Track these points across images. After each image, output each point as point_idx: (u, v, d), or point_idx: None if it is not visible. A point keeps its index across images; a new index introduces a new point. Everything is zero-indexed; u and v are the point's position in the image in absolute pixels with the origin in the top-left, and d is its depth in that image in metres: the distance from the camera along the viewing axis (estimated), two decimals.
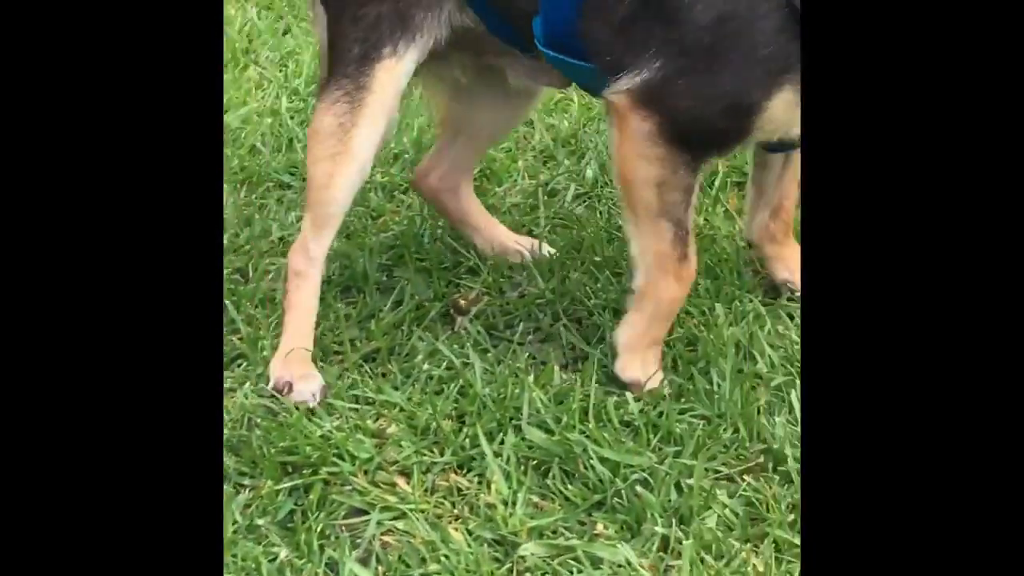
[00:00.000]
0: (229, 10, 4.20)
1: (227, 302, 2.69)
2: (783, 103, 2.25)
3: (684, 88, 2.26)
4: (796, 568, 1.98)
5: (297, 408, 2.39)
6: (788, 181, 2.61)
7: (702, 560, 1.98)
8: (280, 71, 3.85)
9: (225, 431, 2.39)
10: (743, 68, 2.25)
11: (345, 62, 2.41)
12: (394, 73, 2.41)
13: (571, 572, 1.98)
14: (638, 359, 2.40)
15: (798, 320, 2.61)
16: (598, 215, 2.98)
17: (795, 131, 2.31)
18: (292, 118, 3.57)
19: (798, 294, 2.67)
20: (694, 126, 2.29)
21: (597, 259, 2.76)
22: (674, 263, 2.35)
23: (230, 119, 3.53)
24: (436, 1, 2.39)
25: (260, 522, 2.17)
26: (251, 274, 2.84)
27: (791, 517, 2.10)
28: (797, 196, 2.72)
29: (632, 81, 2.26)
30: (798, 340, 2.52)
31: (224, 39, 3.86)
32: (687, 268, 2.38)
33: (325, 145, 2.42)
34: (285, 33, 4.15)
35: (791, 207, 2.69)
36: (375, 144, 2.45)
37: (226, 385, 2.52)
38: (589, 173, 3.11)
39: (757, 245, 2.72)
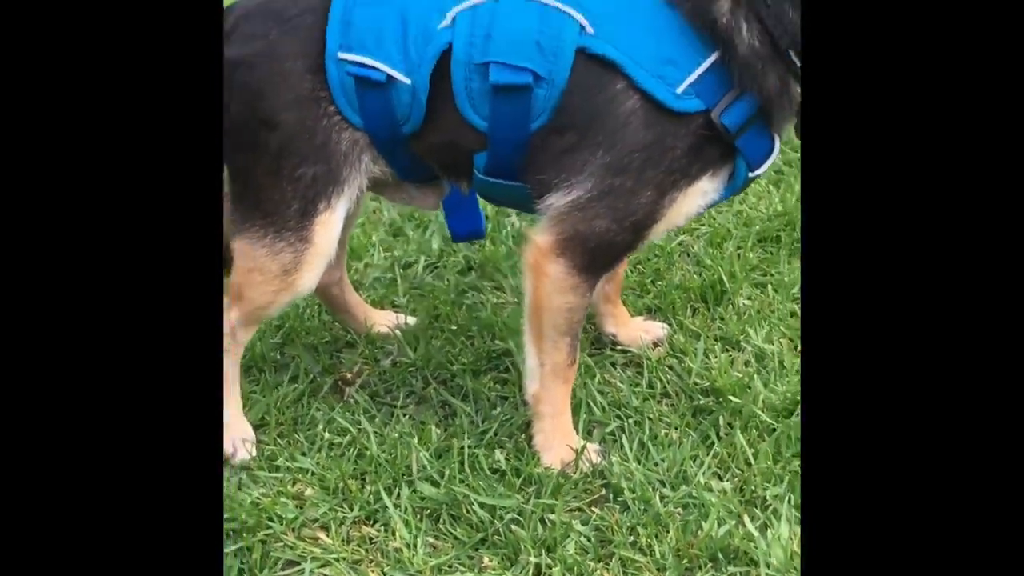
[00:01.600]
0: None
1: None
2: (679, 206, 2.43)
3: (605, 207, 2.39)
4: None
5: (231, 474, 2.57)
6: None
7: None
8: None
9: None
10: (659, 181, 2.38)
11: (283, 214, 2.48)
12: (328, 224, 2.50)
13: None
14: (558, 451, 2.57)
15: (620, 369, 2.86)
16: (446, 283, 3.18)
17: (686, 217, 2.51)
18: None
19: (620, 346, 2.92)
20: (605, 249, 2.44)
21: (453, 327, 2.98)
22: (565, 369, 2.55)
23: None
24: (354, 159, 2.48)
25: None
26: None
27: (631, 538, 2.37)
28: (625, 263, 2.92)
29: (561, 198, 2.41)
30: (623, 387, 2.78)
31: None
32: (573, 369, 2.58)
33: (270, 284, 2.53)
34: None
35: (622, 271, 2.93)
36: (315, 281, 2.57)
37: None
38: (435, 245, 3.30)
39: (592, 303, 2.79)
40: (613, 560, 2.35)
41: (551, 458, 2.58)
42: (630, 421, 2.70)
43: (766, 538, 2.37)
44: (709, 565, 2.33)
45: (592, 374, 2.83)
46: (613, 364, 2.89)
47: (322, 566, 2.39)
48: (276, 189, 2.48)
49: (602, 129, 2.37)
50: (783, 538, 2.36)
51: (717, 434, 2.66)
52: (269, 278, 2.53)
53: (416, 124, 2.44)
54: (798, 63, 2.33)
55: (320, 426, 2.73)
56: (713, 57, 2.33)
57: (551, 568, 2.33)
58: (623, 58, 2.32)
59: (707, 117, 2.34)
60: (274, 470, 2.62)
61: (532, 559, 2.35)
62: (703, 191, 2.43)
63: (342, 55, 2.41)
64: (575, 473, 2.55)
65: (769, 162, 2.48)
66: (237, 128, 2.47)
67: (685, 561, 2.34)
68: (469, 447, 2.63)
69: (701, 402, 2.76)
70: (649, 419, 2.70)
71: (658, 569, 2.33)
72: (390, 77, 2.40)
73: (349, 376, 2.89)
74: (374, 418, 2.75)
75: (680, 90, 2.32)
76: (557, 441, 2.60)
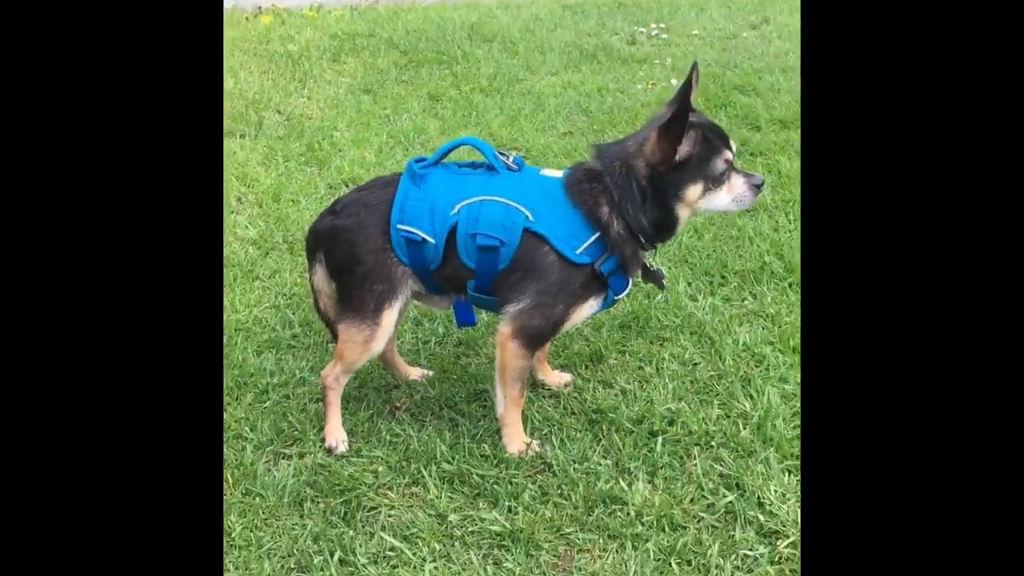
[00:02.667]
0: (232, 244, 4.06)
1: (291, 418, 2.88)
2: (578, 313, 2.53)
3: (538, 313, 2.49)
4: None
5: (337, 460, 2.69)
6: None
7: None
8: (272, 282, 3.75)
9: (303, 477, 2.62)
10: (566, 300, 2.48)
11: (365, 310, 2.57)
12: (390, 315, 2.59)
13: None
14: (516, 445, 2.68)
15: (547, 399, 2.95)
16: (448, 351, 3.31)
17: (582, 319, 2.57)
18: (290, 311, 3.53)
19: (547, 387, 3.01)
20: (539, 335, 2.54)
21: (454, 377, 3.12)
22: (518, 400, 2.67)
23: (240, 317, 3.44)
24: (404, 281, 2.58)
25: (332, 519, 2.47)
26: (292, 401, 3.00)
27: (559, 491, 2.50)
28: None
29: (514, 307, 2.50)
30: (550, 409, 2.88)
31: (228, 266, 3.89)
32: (522, 400, 2.68)
33: (357, 348, 2.62)
34: (267, 254, 3.96)
35: (547, 346, 2.98)
36: (381, 348, 2.66)
37: (296, 451, 2.74)
38: (440, 330, 3.41)
39: (531, 364, 2.78)
40: (549, 503, 2.50)
41: (513, 448, 2.70)
42: (555, 427, 2.83)
43: (631, 490, 2.55)
44: (601, 505, 2.48)
45: (533, 402, 2.97)
46: (544, 396, 3.01)
47: (390, 510, 2.52)
48: (361, 296, 2.58)
49: (536, 271, 2.48)
50: (640, 490, 2.54)
51: (602, 433, 2.79)
52: (357, 344, 2.64)
53: (437, 264, 2.55)
54: (644, 242, 2.54)
55: (383, 432, 2.84)
56: (596, 235, 2.48)
57: (516, 508, 2.49)
58: (548, 233, 2.46)
59: (592, 267, 2.48)
60: (359, 457, 2.74)
61: (506, 503, 2.50)
62: (591, 305, 2.56)
63: (399, 225, 2.54)
64: (526, 456, 2.68)
65: (625, 292, 2.64)
66: (341, 262, 2.62)
67: (588, 503, 2.49)
68: (468, 443, 2.75)
69: (593, 417, 2.87)
70: (565, 426, 2.83)
71: (574, 508, 2.48)
72: (424, 239, 2.53)
73: (398, 404, 2.99)
74: (414, 427, 2.86)
75: (578, 251, 2.46)
76: (515, 439, 2.71)
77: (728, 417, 2.90)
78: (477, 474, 2.62)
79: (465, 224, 2.51)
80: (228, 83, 6.55)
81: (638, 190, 2.47)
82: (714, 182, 2.44)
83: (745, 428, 2.84)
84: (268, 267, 3.91)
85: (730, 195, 2.48)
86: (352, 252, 2.58)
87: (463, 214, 2.51)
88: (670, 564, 2.31)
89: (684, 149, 2.40)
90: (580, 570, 2.31)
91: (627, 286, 2.60)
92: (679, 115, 2.34)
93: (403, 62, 7.08)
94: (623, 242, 2.51)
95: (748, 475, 2.61)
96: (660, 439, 2.77)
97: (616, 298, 2.61)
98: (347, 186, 4.65)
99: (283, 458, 2.77)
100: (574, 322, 2.59)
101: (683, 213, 2.51)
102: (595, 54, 7.26)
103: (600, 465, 2.64)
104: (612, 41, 7.66)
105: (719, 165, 2.43)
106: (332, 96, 6.32)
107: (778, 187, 4.56)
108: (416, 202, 2.55)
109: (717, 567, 2.29)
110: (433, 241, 2.54)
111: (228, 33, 7.88)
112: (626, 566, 2.31)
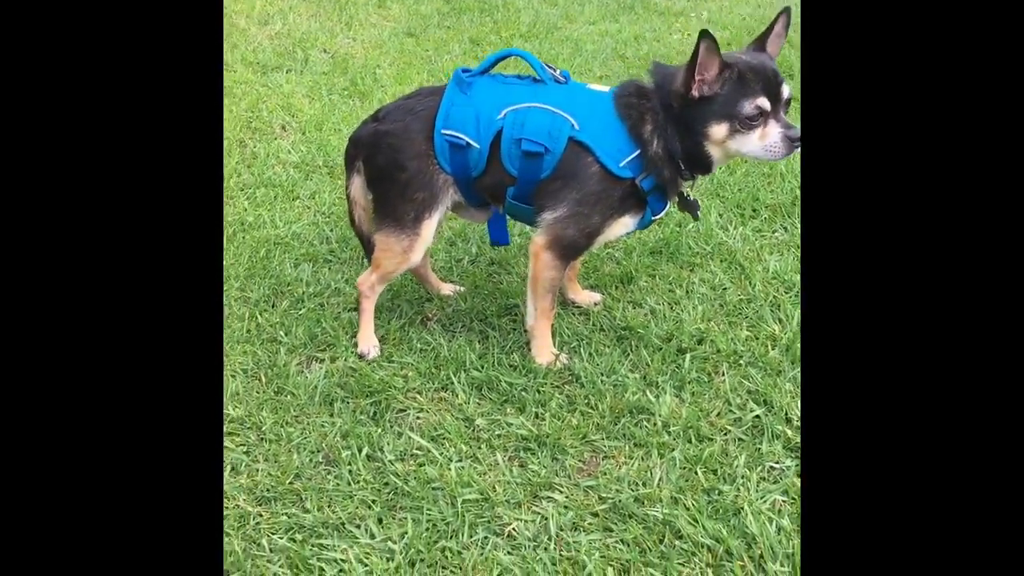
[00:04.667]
0: (272, 163, 3.99)
1: (324, 325, 2.79)
2: (613, 228, 2.42)
3: (573, 222, 2.39)
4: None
5: (368, 364, 2.61)
6: None
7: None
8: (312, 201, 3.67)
9: (334, 379, 2.53)
10: (603, 212, 2.37)
11: (405, 219, 2.47)
12: (430, 226, 2.51)
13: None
14: (545, 356, 2.60)
15: (577, 316, 2.85)
16: (481, 269, 3.20)
17: (616, 236, 2.47)
18: (326, 230, 3.48)
19: (577, 305, 2.90)
20: (572, 246, 2.43)
21: (485, 292, 3.02)
22: (548, 312, 2.57)
23: (280, 232, 3.38)
24: (445, 190, 2.48)
25: (361, 418, 2.41)
26: (325, 311, 2.92)
27: (586, 401, 2.40)
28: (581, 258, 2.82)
29: (550, 215, 2.40)
30: (579, 325, 2.78)
31: (279, 184, 3.82)
32: (552, 313, 2.59)
33: (395, 258, 2.54)
34: (308, 176, 3.85)
35: (578, 264, 2.92)
36: (420, 258, 2.56)
37: (328, 355, 2.65)
38: (474, 249, 3.30)
39: (562, 283, 2.79)
40: (576, 411, 2.41)
41: (541, 360, 2.60)
42: (583, 342, 2.73)
43: (658, 402, 2.44)
44: (628, 415, 2.39)
45: (563, 318, 2.87)
46: (573, 313, 2.92)
47: (419, 412, 2.44)
48: (402, 205, 2.47)
49: (576, 180, 2.36)
50: (667, 402, 2.44)
51: (630, 349, 2.70)
52: (395, 254, 2.54)
53: (479, 171, 2.44)
54: (683, 167, 2.39)
55: (415, 340, 2.75)
56: (638, 151, 2.35)
57: (543, 415, 2.40)
58: (592, 144, 2.33)
59: (633, 182, 2.36)
60: (390, 363, 2.66)
61: (533, 410, 2.42)
62: (626, 223, 2.43)
63: (444, 131, 2.42)
64: (554, 368, 2.59)
65: (663, 213, 2.50)
66: (383, 169, 2.49)
67: (614, 413, 2.40)
68: (497, 353, 2.66)
69: (621, 333, 2.78)
70: (594, 341, 2.73)
71: (600, 416, 2.39)
72: (468, 143, 2.41)
73: (430, 316, 2.92)
74: (444, 337, 2.78)
75: (621, 164, 2.34)
76: (544, 351, 2.62)
77: (756, 339, 2.74)
78: (505, 382, 2.52)
79: (511, 129, 2.38)
80: (276, 24, 6.41)
81: (673, 117, 2.33)
82: (742, 124, 2.24)
83: (774, 349, 2.68)
84: (309, 188, 3.82)
85: (762, 142, 2.25)
86: (396, 157, 2.46)
87: (509, 119, 2.39)
88: (696, 472, 2.18)
89: (707, 85, 2.23)
90: (605, 474, 2.20)
91: (664, 208, 2.47)
92: (695, 50, 2.17)
93: (446, 9, 6.90)
94: (660, 162, 2.37)
95: (776, 392, 2.46)
96: (688, 356, 2.64)
97: (653, 218, 2.49)
98: None
99: (315, 361, 2.69)
100: (608, 237, 2.46)
101: (713, 151, 2.34)
102: (633, 6, 7.02)
103: (628, 378, 2.53)
104: None
105: (747, 108, 2.22)
106: (376, 38, 6.16)
107: None
108: (462, 108, 2.42)
109: (743, 477, 2.16)
110: (478, 146, 2.41)
111: None
112: (651, 472, 2.20)
